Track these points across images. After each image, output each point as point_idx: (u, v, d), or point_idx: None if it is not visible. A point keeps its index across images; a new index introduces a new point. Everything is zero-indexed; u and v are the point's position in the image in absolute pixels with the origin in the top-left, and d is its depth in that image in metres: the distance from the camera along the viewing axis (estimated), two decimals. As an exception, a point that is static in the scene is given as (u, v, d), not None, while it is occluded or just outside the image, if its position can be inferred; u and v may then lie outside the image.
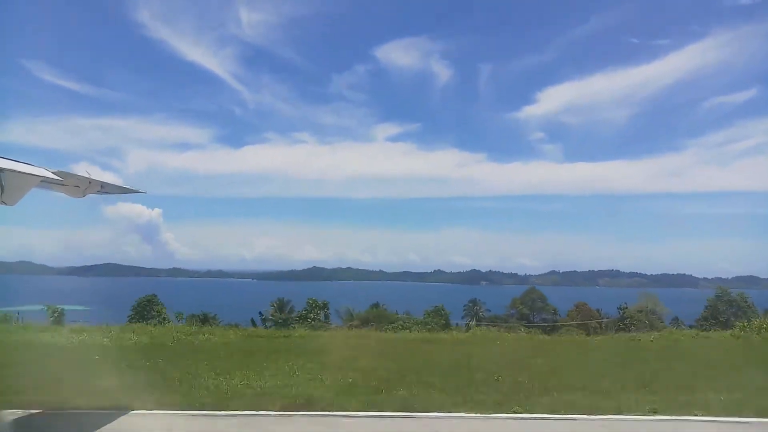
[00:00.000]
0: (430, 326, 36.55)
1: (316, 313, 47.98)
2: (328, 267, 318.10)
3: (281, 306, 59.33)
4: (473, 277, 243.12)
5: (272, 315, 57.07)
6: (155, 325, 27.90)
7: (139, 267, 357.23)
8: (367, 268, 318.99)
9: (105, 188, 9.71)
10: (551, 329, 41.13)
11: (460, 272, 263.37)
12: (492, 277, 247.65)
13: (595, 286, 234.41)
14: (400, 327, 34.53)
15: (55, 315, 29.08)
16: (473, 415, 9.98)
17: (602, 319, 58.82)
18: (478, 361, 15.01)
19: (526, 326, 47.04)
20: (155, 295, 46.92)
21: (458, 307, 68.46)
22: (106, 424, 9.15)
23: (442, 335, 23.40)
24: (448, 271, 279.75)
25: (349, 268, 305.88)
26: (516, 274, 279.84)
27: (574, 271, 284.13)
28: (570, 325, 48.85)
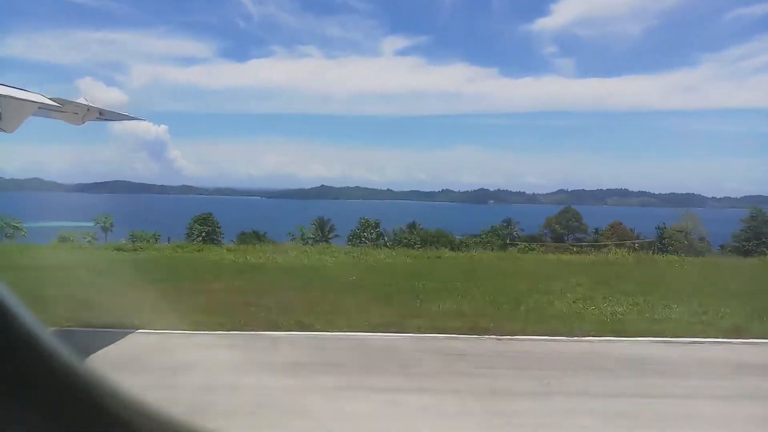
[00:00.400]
0: (490, 244, 36.61)
1: (369, 233, 47.94)
2: (336, 185, 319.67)
3: (321, 225, 60.92)
4: (481, 195, 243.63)
5: (313, 234, 58.51)
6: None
7: (149, 184, 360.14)
8: (375, 187, 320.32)
9: (104, 115, 9.55)
10: (595, 249, 40.15)
11: (467, 191, 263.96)
12: (500, 196, 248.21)
13: (603, 205, 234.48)
14: (464, 245, 33.93)
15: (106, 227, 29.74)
16: None
17: (638, 239, 57.42)
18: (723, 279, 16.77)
19: (575, 245, 45.41)
20: (210, 214, 47.59)
21: (468, 226, 68.55)
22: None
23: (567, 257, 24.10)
24: (455, 190, 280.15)
25: (357, 186, 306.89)
26: (524, 192, 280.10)
27: (583, 189, 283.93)
28: (607, 244, 47.70)
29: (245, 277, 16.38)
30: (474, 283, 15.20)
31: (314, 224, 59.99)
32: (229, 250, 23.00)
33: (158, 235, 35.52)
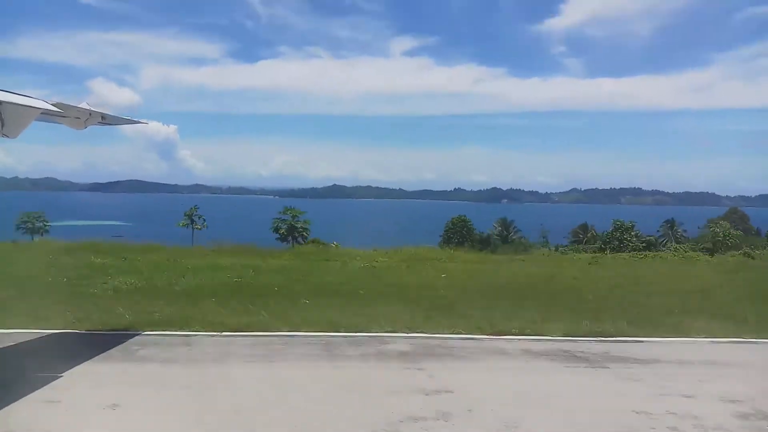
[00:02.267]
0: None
1: (622, 234, 48.04)
2: (348, 185, 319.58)
3: (505, 225, 62.68)
4: (494, 195, 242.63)
5: (497, 235, 60.47)
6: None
7: (162, 183, 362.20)
8: (386, 186, 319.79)
9: (106, 119, 9.58)
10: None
11: (480, 190, 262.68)
12: (512, 195, 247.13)
13: (617, 204, 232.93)
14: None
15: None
16: None
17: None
18: None
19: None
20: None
21: (483, 225, 68.22)
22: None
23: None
24: (468, 189, 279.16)
25: (368, 186, 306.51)
26: (537, 191, 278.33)
27: (596, 188, 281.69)
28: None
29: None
30: None
31: (496, 225, 61.24)
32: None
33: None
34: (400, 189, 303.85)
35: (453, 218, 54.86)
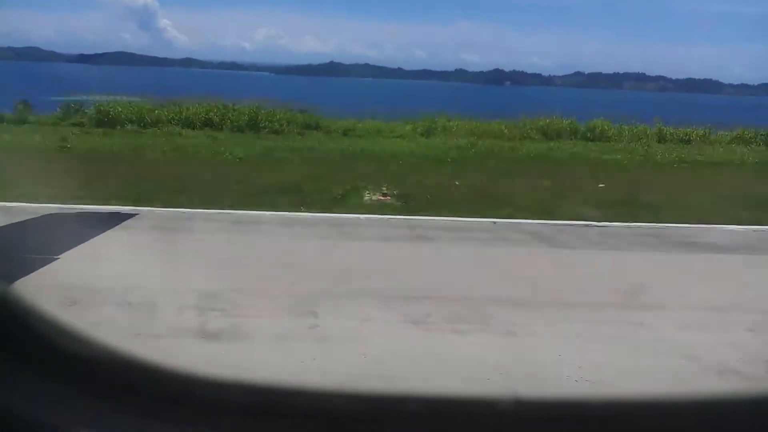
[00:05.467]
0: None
1: None
2: (346, 62, 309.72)
3: None
4: (496, 76, 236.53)
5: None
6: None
7: (151, 56, 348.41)
8: (385, 65, 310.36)
9: None
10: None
11: (482, 71, 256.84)
12: (515, 77, 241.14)
13: (620, 89, 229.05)
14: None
15: None
16: None
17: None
18: None
19: None
20: None
21: (507, 108, 66.65)
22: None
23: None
24: (470, 70, 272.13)
25: (366, 64, 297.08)
26: (540, 74, 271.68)
27: (600, 72, 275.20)
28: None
29: None
30: None
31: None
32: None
33: None
34: (399, 68, 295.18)
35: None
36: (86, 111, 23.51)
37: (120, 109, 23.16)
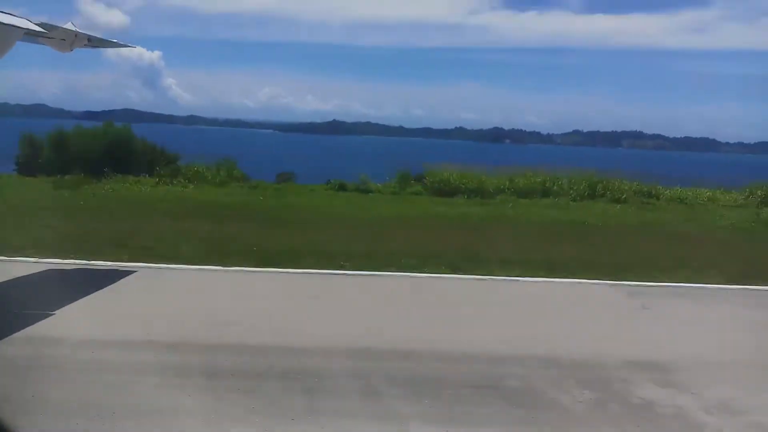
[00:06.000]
0: None
1: None
2: (348, 121, 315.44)
3: None
4: (496, 134, 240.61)
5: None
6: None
7: (157, 113, 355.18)
8: (386, 123, 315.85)
9: (92, 42, 9.29)
10: None
11: (482, 129, 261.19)
12: (515, 136, 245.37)
13: (618, 148, 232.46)
14: None
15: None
16: None
17: None
18: None
19: None
20: None
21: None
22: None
23: None
24: (470, 128, 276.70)
25: (368, 122, 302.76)
26: (539, 132, 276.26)
27: (597, 131, 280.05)
28: None
29: None
30: None
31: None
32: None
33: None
34: (400, 126, 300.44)
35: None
36: (422, 178, 22.69)
37: (455, 177, 22.04)
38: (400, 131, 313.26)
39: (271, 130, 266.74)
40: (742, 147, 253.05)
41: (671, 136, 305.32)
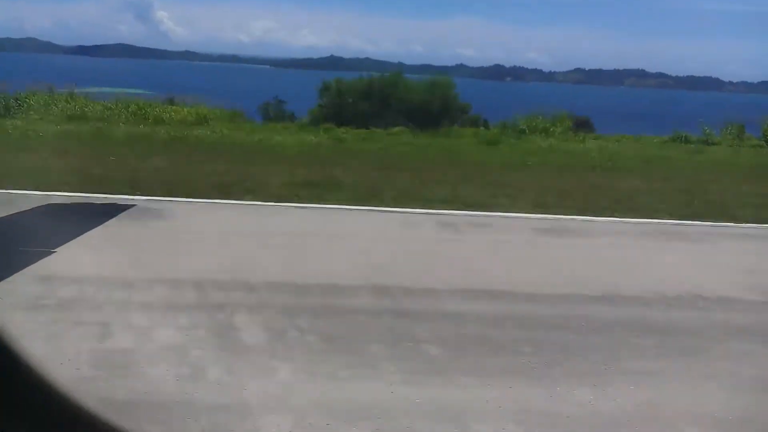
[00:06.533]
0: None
1: None
2: (346, 56, 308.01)
3: None
4: (497, 72, 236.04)
5: None
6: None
7: (151, 49, 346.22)
8: (385, 60, 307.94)
9: None
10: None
11: (482, 66, 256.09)
12: (516, 73, 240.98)
13: (620, 86, 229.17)
14: None
15: None
16: None
17: None
18: None
19: None
20: None
21: (516, 106, 66.66)
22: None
23: None
24: (470, 65, 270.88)
25: (367, 58, 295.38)
26: (540, 70, 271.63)
27: (600, 69, 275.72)
28: None
29: None
30: None
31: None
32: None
33: None
34: (399, 62, 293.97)
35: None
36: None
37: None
38: (401, 68, 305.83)
39: (267, 66, 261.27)
40: (746, 86, 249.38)
41: (674, 74, 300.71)
